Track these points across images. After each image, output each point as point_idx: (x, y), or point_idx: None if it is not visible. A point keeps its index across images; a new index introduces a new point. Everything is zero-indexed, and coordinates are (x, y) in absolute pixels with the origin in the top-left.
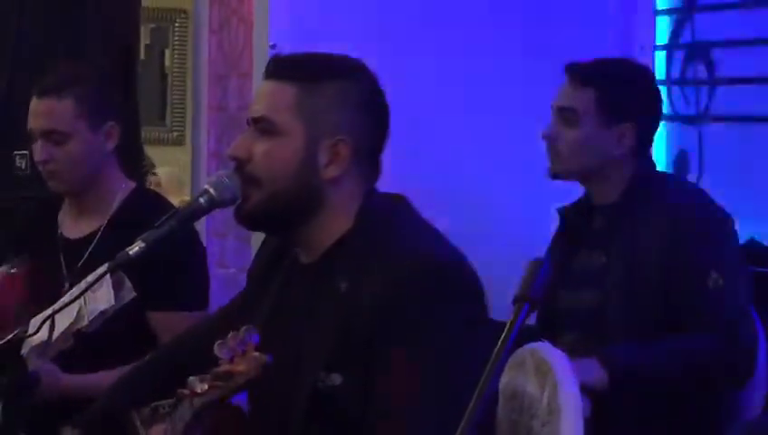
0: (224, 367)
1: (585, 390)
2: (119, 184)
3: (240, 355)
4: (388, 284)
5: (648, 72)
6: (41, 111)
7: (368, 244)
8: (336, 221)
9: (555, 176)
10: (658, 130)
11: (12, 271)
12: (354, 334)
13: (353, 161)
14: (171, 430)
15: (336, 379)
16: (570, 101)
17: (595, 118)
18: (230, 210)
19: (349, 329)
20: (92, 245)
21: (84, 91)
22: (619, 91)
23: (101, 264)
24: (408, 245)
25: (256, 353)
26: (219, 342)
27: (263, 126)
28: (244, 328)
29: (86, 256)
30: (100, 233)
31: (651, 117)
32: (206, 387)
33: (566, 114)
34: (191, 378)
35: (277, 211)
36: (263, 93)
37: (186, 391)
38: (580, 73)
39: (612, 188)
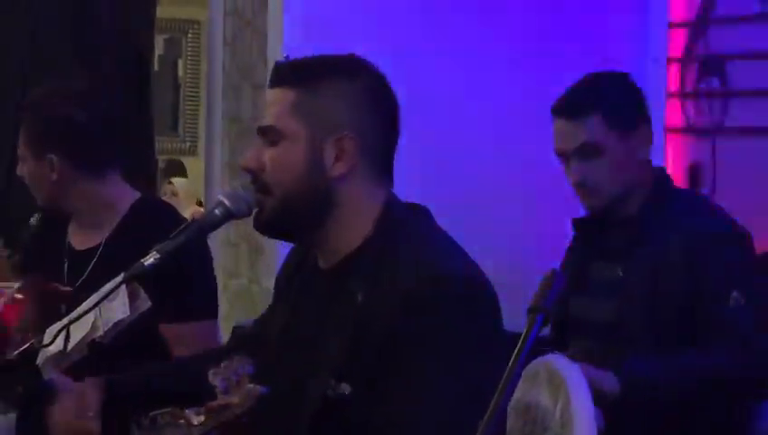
0: (218, 401)
1: (597, 399)
2: (116, 197)
3: (234, 386)
4: (404, 295)
5: (623, 74)
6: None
7: (386, 254)
8: (353, 223)
9: (595, 211)
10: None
11: (18, 296)
12: (367, 346)
13: (361, 157)
14: None
15: (345, 388)
16: (584, 136)
17: (612, 138)
18: (242, 220)
19: (362, 340)
20: (94, 259)
21: (31, 117)
22: (619, 102)
23: (103, 276)
24: (425, 257)
25: (251, 385)
26: (213, 371)
27: (268, 135)
28: (236, 358)
29: (89, 269)
30: (101, 247)
31: (648, 116)
32: (202, 419)
33: (586, 150)
34: (187, 411)
35: (291, 216)
36: (267, 103)
37: (182, 422)
38: (578, 104)
39: (633, 201)
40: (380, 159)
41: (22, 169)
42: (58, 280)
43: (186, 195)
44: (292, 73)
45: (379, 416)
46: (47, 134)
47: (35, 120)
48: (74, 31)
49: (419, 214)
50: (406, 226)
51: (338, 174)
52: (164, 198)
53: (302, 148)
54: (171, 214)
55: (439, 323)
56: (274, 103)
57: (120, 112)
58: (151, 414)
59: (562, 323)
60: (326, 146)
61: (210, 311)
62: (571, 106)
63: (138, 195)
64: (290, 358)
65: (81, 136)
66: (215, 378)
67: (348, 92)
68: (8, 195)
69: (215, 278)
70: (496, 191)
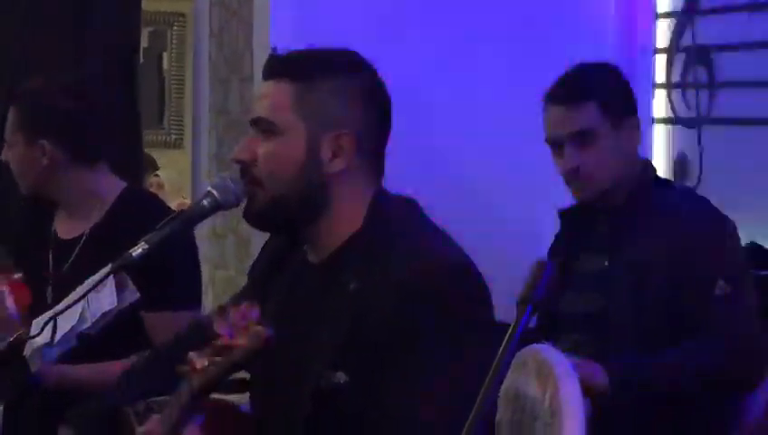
0: (223, 340)
1: (586, 393)
2: (103, 188)
3: (240, 330)
4: (397, 285)
5: (611, 65)
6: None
7: (377, 244)
8: (345, 219)
9: (585, 201)
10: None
11: (16, 277)
12: (362, 334)
13: (358, 154)
14: (167, 415)
15: (341, 377)
16: (579, 122)
17: (606, 126)
18: (229, 211)
19: (357, 329)
20: (78, 247)
21: (27, 104)
22: (612, 91)
23: (88, 266)
24: (417, 246)
25: (258, 327)
26: (219, 319)
27: (263, 127)
28: (245, 303)
29: (72, 258)
30: (85, 236)
31: (636, 107)
32: (205, 363)
33: (581, 136)
34: (191, 353)
35: (285, 210)
36: (262, 94)
37: (185, 368)
38: (574, 91)
39: (620, 193)
40: (375, 158)
41: (7, 155)
42: (43, 269)
43: (171, 187)
44: (289, 67)
45: (376, 407)
46: (43, 120)
47: (32, 105)
48: (62, 24)
49: (409, 205)
50: (396, 217)
51: (334, 171)
52: (150, 190)
53: (299, 143)
54: (158, 205)
55: (433, 312)
56: (270, 96)
57: (108, 105)
58: (147, 401)
59: (550, 314)
60: (323, 142)
61: (193, 300)
62: (567, 92)
63: (125, 185)
64: (283, 353)
65: (75, 124)
66: (220, 326)
67: (346, 89)
68: None
69: (199, 267)
70: (487, 184)
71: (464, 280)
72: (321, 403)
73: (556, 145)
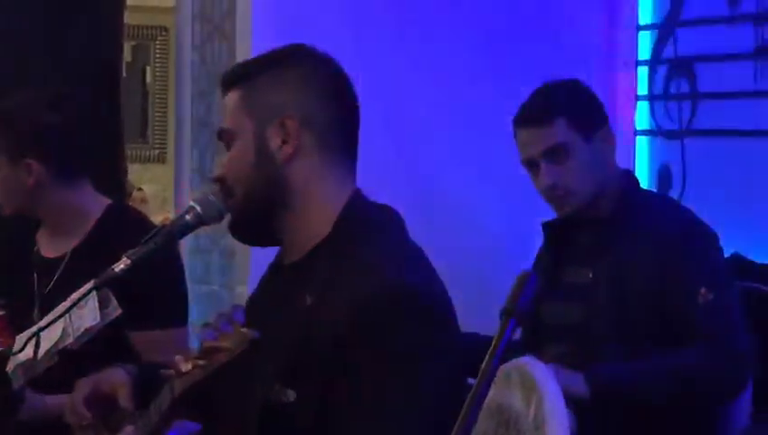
0: (209, 343)
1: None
2: (87, 204)
3: (225, 334)
4: (351, 307)
5: (575, 80)
6: None
7: (342, 257)
8: (311, 218)
9: (567, 215)
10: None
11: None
12: (312, 353)
13: (308, 134)
14: (146, 422)
15: (290, 395)
16: (550, 139)
17: (578, 139)
18: (213, 226)
19: (307, 347)
20: (63, 265)
21: (5, 124)
22: (579, 105)
23: (73, 283)
24: (379, 265)
25: (243, 329)
26: (204, 324)
27: (224, 139)
28: (231, 307)
29: (57, 275)
30: (70, 253)
31: (606, 118)
32: (189, 367)
33: (555, 152)
34: (176, 356)
35: (253, 213)
36: (223, 110)
37: (171, 372)
38: (541, 111)
39: (603, 204)
40: (333, 141)
41: None
42: (28, 288)
43: (154, 202)
44: (235, 75)
45: (323, 428)
46: (28, 139)
47: (16, 124)
48: (43, 38)
49: (386, 217)
50: (367, 228)
51: (286, 156)
52: (132, 205)
53: (249, 141)
54: (143, 221)
55: (386, 338)
56: (226, 107)
57: (90, 120)
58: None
59: (534, 326)
60: (270, 132)
61: (180, 317)
62: (534, 114)
63: (109, 202)
64: (244, 357)
65: (60, 142)
66: (204, 332)
67: (288, 77)
68: None
69: (185, 284)
70: (470, 196)
71: (421, 304)
72: (270, 419)
73: (532, 165)
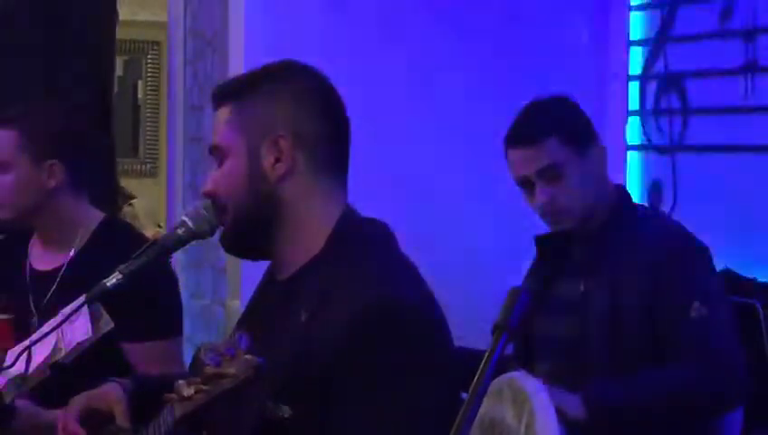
0: (213, 369)
1: (563, 422)
2: (85, 216)
3: (228, 359)
4: (346, 324)
5: (565, 97)
6: None
7: (335, 274)
8: (304, 235)
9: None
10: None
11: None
12: (307, 369)
13: (300, 153)
14: None
15: (285, 411)
16: (544, 159)
17: (571, 158)
18: (205, 241)
19: (302, 363)
20: (58, 278)
21: (30, 125)
22: (571, 122)
23: (69, 296)
24: (374, 282)
25: (248, 356)
26: (205, 347)
27: (216, 154)
28: (235, 332)
29: (53, 288)
30: (66, 266)
31: (597, 134)
32: (192, 392)
33: (548, 172)
34: (179, 381)
35: (246, 230)
36: (214, 125)
37: (172, 396)
38: (533, 130)
39: (595, 219)
40: (325, 158)
41: None
42: (23, 302)
43: (146, 217)
44: (226, 91)
45: None
46: (53, 140)
47: (39, 126)
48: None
49: (378, 233)
50: (359, 246)
51: (279, 175)
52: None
53: (242, 158)
54: (138, 235)
55: (384, 353)
56: (217, 123)
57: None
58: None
59: (526, 341)
60: (263, 150)
61: (174, 328)
62: (526, 133)
63: (104, 215)
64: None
65: (79, 147)
66: (206, 355)
67: (279, 94)
68: None
69: (179, 297)
70: (459, 210)
71: (416, 322)
72: (266, 434)
73: (524, 184)
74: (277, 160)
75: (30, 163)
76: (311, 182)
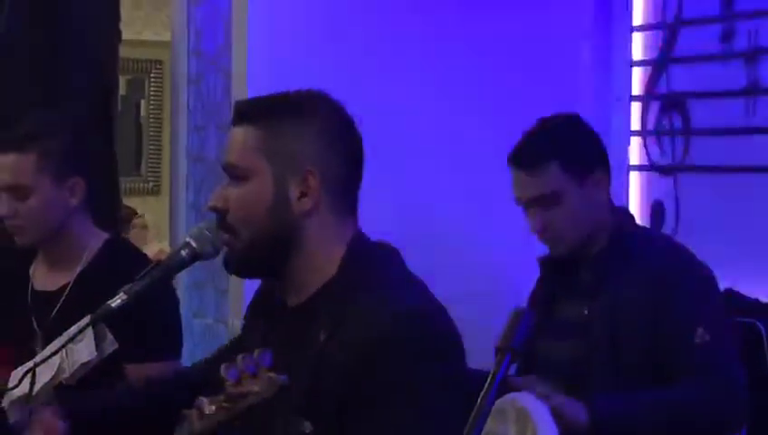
0: (237, 387)
1: (566, 431)
2: (89, 237)
3: (249, 376)
4: (365, 340)
5: (575, 116)
6: (4, 166)
7: (350, 296)
8: (319, 262)
9: (560, 257)
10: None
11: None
12: (327, 386)
13: (326, 193)
14: None
15: (307, 427)
16: (542, 186)
17: (571, 184)
18: (209, 261)
19: (323, 380)
20: (62, 298)
21: (48, 145)
22: (574, 148)
23: (71, 317)
24: (389, 300)
25: (271, 374)
26: (226, 364)
27: (232, 173)
28: (257, 350)
29: (56, 309)
30: (69, 287)
31: (604, 157)
32: (213, 409)
33: (546, 199)
34: (200, 398)
35: (260, 255)
36: (231, 141)
37: (191, 412)
38: (534, 155)
39: (598, 242)
40: (344, 196)
41: (15, 205)
42: (26, 324)
43: (149, 233)
44: (254, 112)
45: None
46: (71, 156)
47: (56, 144)
48: (37, 71)
49: (387, 254)
50: (371, 267)
51: (304, 211)
52: (133, 230)
53: (267, 186)
54: (142, 256)
55: (400, 368)
56: (237, 141)
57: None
58: None
59: (529, 362)
60: (291, 183)
61: (174, 350)
62: (527, 157)
63: (108, 235)
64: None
65: (93, 163)
66: (227, 371)
67: (310, 129)
68: None
69: (179, 317)
70: (464, 230)
71: (433, 336)
72: None
73: (524, 205)
74: (303, 195)
75: (51, 184)
76: (330, 217)
